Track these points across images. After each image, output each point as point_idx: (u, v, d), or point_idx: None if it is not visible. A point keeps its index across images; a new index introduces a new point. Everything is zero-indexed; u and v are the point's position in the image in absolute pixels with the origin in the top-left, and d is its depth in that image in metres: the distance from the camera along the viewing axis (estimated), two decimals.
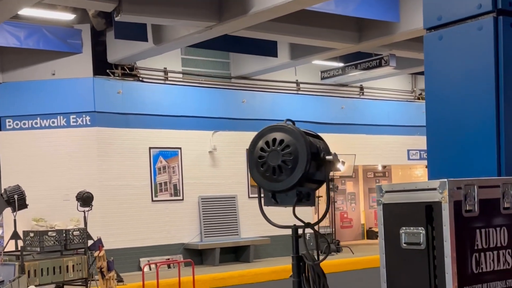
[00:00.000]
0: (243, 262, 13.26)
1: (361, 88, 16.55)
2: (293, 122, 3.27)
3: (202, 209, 13.44)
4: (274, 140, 3.12)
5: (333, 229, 15.25)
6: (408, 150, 17.25)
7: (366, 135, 16.39)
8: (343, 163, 14.88)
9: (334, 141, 15.49)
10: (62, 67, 12.38)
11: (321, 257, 3.25)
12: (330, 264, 12.91)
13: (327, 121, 15.52)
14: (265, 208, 3.24)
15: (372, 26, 11.41)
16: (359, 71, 13.64)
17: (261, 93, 14.64)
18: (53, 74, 12.36)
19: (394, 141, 16.79)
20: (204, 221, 13.42)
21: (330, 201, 3.20)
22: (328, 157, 3.16)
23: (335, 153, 3.18)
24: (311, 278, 3.20)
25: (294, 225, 3.27)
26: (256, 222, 12.93)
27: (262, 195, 3.26)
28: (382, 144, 16.70)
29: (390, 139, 16.75)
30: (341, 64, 14.22)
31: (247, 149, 3.34)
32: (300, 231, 3.24)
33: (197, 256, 13.08)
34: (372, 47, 12.44)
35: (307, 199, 3.19)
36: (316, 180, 3.19)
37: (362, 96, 16.62)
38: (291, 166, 3.05)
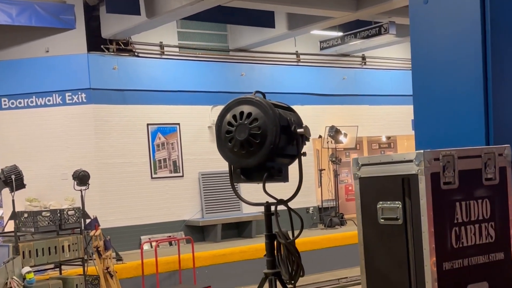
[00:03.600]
0: (246, 238, 13.18)
1: (363, 57, 16.27)
2: (263, 94, 3.10)
3: (203, 185, 13.33)
4: (242, 113, 2.95)
5: (337, 202, 15.12)
6: (413, 120, 17.01)
7: (369, 106, 16.15)
8: (346, 135, 14.70)
9: (336, 113, 15.32)
10: (55, 44, 12.18)
11: (295, 235, 3.10)
12: (334, 238, 12.85)
13: (329, 93, 15.29)
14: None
15: None
16: (358, 40, 13.35)
17: (260, 66, 14.40)
18: (47, 51, 12.17)
19: (398, 111, 16.52)
20: (205, 197, 13.32)
21: (302, 177, 3.03)
22: (299, 130, 2.99)
23: (306, 126, 3.01)
24: (285, 256, 3.06)
25: (267, 202, 3.12)
26: (257, 197, 12.66)
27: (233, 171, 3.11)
28: (385, 115, 16.47)
29: (394, 109, 16.50)
30: (340, 34, 13.93)
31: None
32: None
33: (198, 232, 13.01)
34: (371, 14, 12.16)
35: (279, 175, 3.03)
36: (287, 154, 3.02)
37: (364, 66, 16.34)
38: (259, 140, 2.89)
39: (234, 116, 2.99)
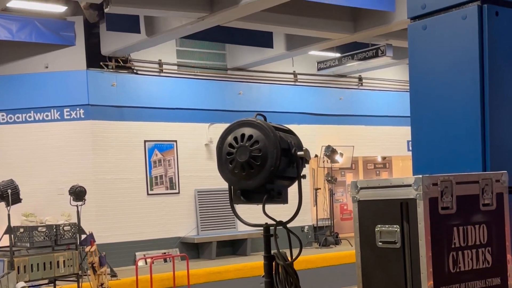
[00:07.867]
0: (241, 256, 13.16)
1: (360, 78, 16.39)
2: (264, 117, 3.14)
3: (199, 202, 13.33)
4: (243, 135, 2.98)
5: (332, 221, 15.13)
6: (408, 141, 17.08)
7: (365, 126, 16.24)
8: (341, 154, 14.75)
9: (332, 133, 15.39)
10: (55, 60, 12.26)
11: (294, 256, 3.12)
12: (328, 257, 12.83)
13: (325, 113, 15.37)
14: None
15: (368, 16, 11.24)
16: (355, 61, 13.47)
17: (257, 85, 14.50)
18: (46, 67, 12.24)
19: (394, 132, 16.62)
20: (200, 215, 13.31)
21: (301, 199, 3.06)
22: (299, 153, 3.02)
23: (306, 149, 3.05)
24: (283, 278, 3.08)
25: (266, 223, 3.15)
26: (253, 215, 12.70)
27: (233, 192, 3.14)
28: (381, 135, 16.55)
29: (390, 130, 16.60)
30: (337, 55, 14.05)
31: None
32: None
33: (193, 249, 12.99)
34: (368, 37, 12.27)
35: (278, 197, 3.06)
36: (287, 176, 3.06)
37: (360, 87, 16.45)
38: (260, 162, 2.92)
39: (235, 138, 3.02)
